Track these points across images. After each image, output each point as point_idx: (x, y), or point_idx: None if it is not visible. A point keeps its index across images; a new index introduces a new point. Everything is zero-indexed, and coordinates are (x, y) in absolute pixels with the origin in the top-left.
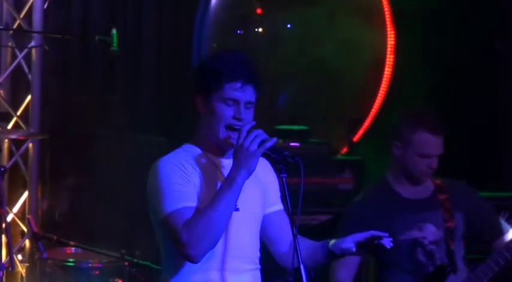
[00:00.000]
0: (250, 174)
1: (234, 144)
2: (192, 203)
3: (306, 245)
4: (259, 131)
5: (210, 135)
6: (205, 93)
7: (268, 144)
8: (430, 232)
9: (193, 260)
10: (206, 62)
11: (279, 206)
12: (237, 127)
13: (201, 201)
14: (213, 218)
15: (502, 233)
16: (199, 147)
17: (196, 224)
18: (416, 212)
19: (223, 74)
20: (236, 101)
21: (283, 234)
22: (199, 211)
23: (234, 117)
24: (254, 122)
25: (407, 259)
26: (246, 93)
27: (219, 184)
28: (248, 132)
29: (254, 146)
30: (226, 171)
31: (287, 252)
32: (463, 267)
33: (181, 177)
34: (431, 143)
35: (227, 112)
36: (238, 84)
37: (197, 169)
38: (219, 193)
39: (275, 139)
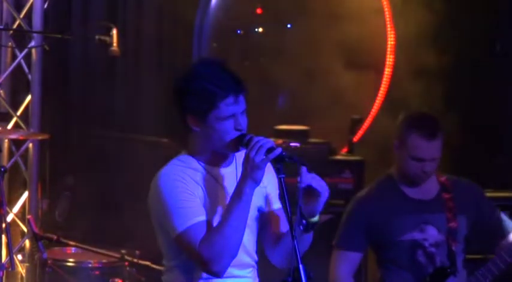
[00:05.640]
0: (258, 184)
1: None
2: (202, 216)
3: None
4: (264, 141)
5: (211, 148)
6: (199, 114)
7: (272, 155)
8: (431, 235)
9: (218, 275)
10: (187, 82)
11: (278, 205)
12: (241, 136)
13: (207, 214)
14: (228, 233)
15: (503, 235)
16: (196, 158)
17: (214, 241)
18: (419, 213)
19: (214, 95)
20: (233, 115)
21: (277, 222)
22: (214, 227)
23: (236, 129)
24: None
25: (407, 259)
26: (239, 105)
27: (220, 195)
28: (254, 143)
29: (259, 158)
30: (225, 181)
31: (275, 235)
32: (462, 270)
33: (185, 192)
34: (423, 148)
35: (228, 127)
36: (231, 100)
37: (198, 182)
38: (230, 206)
39: (280, 149)
